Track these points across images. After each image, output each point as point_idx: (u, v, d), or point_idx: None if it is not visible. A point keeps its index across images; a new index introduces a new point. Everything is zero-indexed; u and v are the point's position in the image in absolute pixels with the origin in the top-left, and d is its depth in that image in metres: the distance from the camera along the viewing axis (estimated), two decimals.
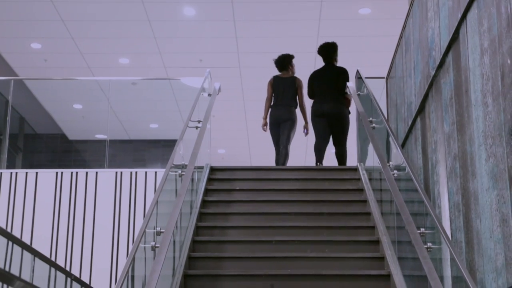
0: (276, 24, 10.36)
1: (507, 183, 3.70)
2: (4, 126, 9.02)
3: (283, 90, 8.01)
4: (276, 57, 8.30)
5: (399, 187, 4.87)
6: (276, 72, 8.35)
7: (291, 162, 8.22)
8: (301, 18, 10.14)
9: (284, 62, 8.16)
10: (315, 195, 6.53)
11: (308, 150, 12.33)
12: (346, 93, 7.65)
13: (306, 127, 8.20)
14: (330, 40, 8.20)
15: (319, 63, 11.25)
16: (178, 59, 11.63)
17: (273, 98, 8.11)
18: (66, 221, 7.85)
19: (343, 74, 7.78)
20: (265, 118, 8.08)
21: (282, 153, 7.86)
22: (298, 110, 8.16)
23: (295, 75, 8.26)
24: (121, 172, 8.03)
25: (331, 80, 7.75)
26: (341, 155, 7.76)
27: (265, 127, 8.10)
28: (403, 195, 4.73)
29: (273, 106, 8.05)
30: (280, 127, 7.94)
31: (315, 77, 7.97)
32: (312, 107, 7.91)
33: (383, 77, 8.10)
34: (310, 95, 8.00)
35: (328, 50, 7.95)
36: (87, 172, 8.06)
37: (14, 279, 2.68)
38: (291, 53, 8.29)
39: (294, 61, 8.32)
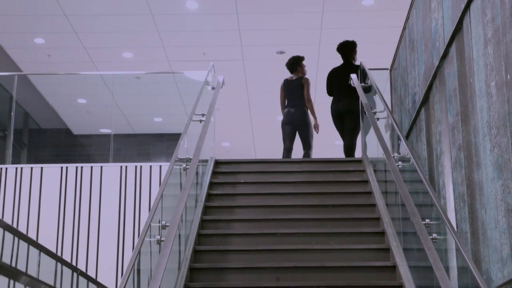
0: (279, 16, 10.34)
1: (511, 173, 3.69)
2: (8, 121, 9.04)
3: (292, 91, 8.19)
4: (287, 59, 8.46)
5: (404, 178, 4.86)
6: (283, 71, 8.47)
7: (296, 154, 8.24)
8: (304, 10, 10.12)
9: (294, 64, 8.33)
10: (320, 187, 6.53)
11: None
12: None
13: (316, 124, 8.30)
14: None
15: (323, 55, 11.28)
16: (181, 53, 11.62)
17: (286, 100, 8.28)
18: (71, 215, 7.87)
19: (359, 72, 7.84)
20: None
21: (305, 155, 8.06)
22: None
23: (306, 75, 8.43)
24: (126, 166, 8.04)
25: (347, 79, 7.79)
26: (349, 148, 7.81)
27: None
28: (408, 186, 4.73)
29: (286, 107, 8.22)
30: (295, 129, 8.10)
31: (333, 75, 8.03)
32: (331, 106, 8.00)
33: (386, 69, 8.10)
34: (329, 93, 8.13)
35: (347, 49, 8.01)
36: (92, 167, 8.07)
37: (21, 275, 2.69)
38: (301, 55, 8.46)
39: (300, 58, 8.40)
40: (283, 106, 8.27)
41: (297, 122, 8.08)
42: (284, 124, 8.15)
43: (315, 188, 6.51)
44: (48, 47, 11.35)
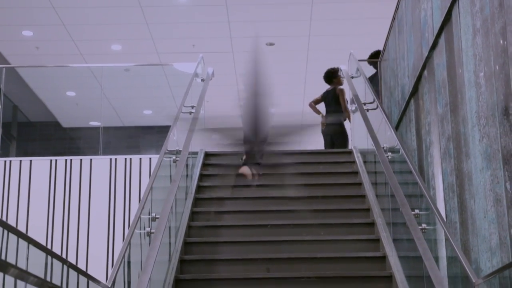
0: (268, 8, 10.31)
1: (500, 163, 3.71)
2: None
3: (329, 101, 8.62)
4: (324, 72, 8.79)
5: (393, 169, 4.88)
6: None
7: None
8: (294, 1, 10.10)
9: (330, 77, 8.70)
10: (310, 178, 6.54)
11: None
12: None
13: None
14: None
15: (313, 46, 11.26)
16: (170, 45, 11.58)
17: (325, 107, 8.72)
18: (61, 208, 7.84)
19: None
20: (319, 113, 8.63)
21: None
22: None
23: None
24: (116, 159, 8.02)
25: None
26: None
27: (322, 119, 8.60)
28: (398, 177, 4.74)
29: (325, 115, 8.61)
30: (332, 139, 8.45)
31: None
32: None
33: (376, 60, 8.09)
34: None
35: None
36: (81, 159, 8.04)
37: (9, 267, 2.67)
38: (335, 66, 8.72)
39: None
40: (313, 104, 8.63)
41: (333, 133, 8.45)
42: (322, 132, 8.56)
43: (305, 180, 6.52)
44: (36, 40, 11.28)
